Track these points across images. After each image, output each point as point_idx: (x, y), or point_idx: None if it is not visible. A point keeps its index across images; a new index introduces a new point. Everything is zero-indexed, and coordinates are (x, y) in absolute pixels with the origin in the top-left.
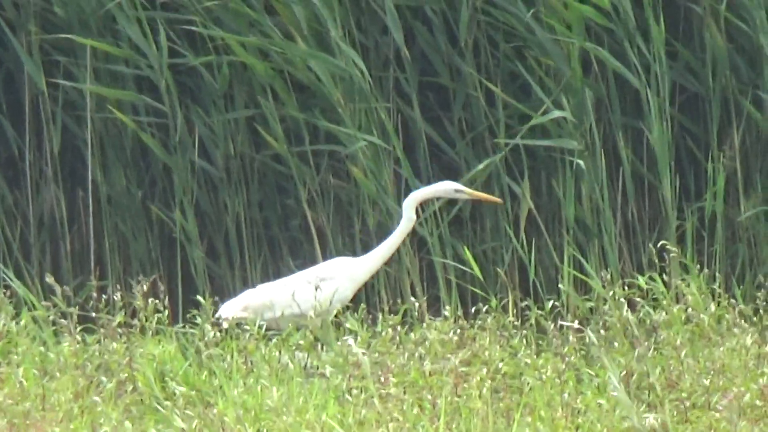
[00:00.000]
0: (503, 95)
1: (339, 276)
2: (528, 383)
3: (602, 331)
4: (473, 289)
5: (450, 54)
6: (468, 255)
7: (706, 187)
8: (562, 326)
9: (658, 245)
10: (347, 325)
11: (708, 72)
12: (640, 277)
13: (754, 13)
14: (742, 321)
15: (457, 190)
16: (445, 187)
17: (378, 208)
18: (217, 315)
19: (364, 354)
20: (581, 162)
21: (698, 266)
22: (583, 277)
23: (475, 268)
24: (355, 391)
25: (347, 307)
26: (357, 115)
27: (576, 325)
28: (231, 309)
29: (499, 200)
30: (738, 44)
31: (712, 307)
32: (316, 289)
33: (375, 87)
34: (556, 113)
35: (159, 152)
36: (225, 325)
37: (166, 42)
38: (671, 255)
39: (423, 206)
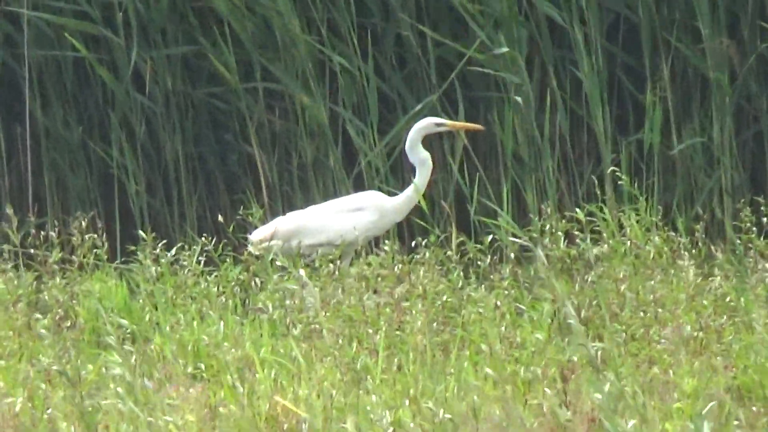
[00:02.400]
0: (434, 35)
1: (369, 208)
2: (466, 317)
3: (545, 262)
4: (419, 221)
5: None
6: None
7: (641, 120)
8: (500, 260)
9: (598, 176)
10: (278, 262)
11: (638, 3)
12: (578, 210)
13: None
14: (684, 253)
15: (437, 124)
16: (425, 124)
17: (315, 142)
18: (247, 241)
19: (307, 284)
20: (518, 98)
21: (641, 198)
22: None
23: (421, 201)
24: (295, 325)
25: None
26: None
27: (523, 242)
28: (260, 235)
29: (480, 127)
30: None
31: (656, 239)
32: (345, 219)
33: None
34: (503, 49)
35: (112, 85)
36: (253, 251)
37: None
38: (616, 185)
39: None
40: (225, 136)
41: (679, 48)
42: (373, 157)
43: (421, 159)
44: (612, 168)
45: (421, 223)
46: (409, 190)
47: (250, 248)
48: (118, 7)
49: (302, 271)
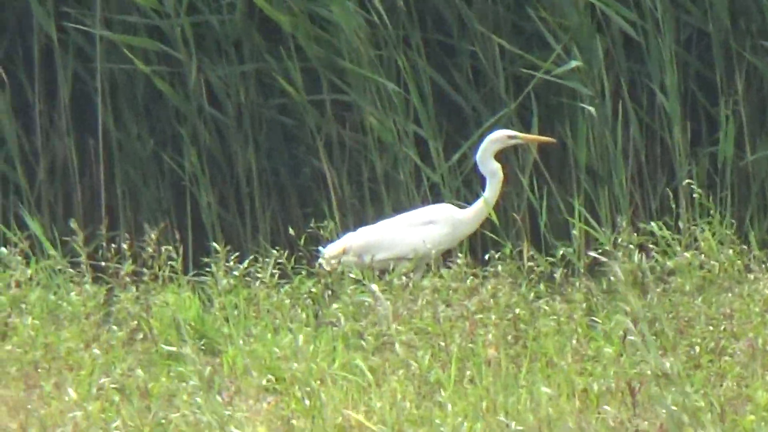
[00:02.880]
0: (510, 47)
1: (440, 221)
2: (539, 330)
3: (613, 278)
4: (490, 234)
5: (457, 6)
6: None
7: (714, 132)
8: (571, 273)
9: (672, 190)
10: (351, 274)
11: (708, 19)
12: (653, 223)
13: None
14: (756, 266)
15: (510, 137)
16: (498, 136)
17: (386, 155)
18: (319, 258)
19: (379, 298)
20: (592, 108)
21: (711, 212)
22: (589, 230)
23: (492, 214)
24: (367, 338)
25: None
26: (370, 64)
27: (596, 255)
28: (332, 251)
29: (552, 140)
30: None
31: (729, 252)
32: (417, 233)
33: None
34: (573, 63)
35: (173, 98)
36: (326, 267)
37: None
38: (693, 197)
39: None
40: (296, 149)
41: (752, 60)
42: (440, 174)
43: (491, 171)
44: (687, 181)
45: (493, 236)
46: (479, 203)
47: (323, 263)
48: (182, 23)
49: (374, 285)
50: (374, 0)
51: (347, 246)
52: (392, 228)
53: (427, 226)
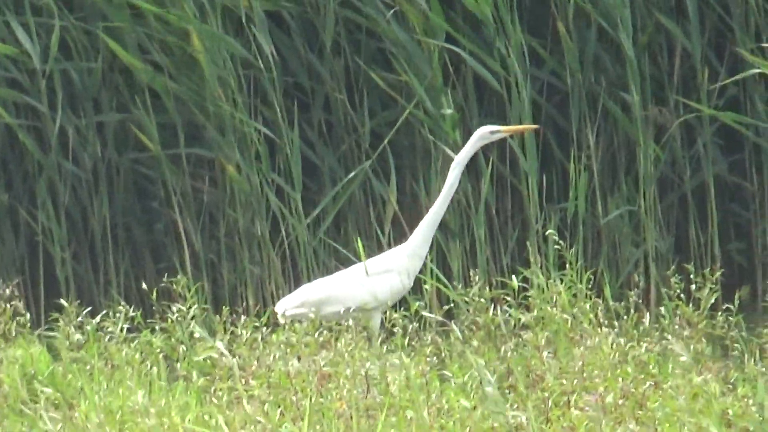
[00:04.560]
0: (368, 100)
1: (395, 267)
2: (392, 383)
3: (466, 332)
4: None
5: (310, 57)
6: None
7: (569, 187)
8: (425, 326)
9: (527, 241)
10: (196, 333)
11: (567, 72)
12: (514, 277)
13: (615, 13)
14: (607, 321)
15: (493, 132)
16: (481, 134)
17: (248, 209)
18: (275, 311)
19: (225, 355)
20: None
21: (567, 265)
22: (439, 286)
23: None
24: (219, 393)
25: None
26: (226, 119)
27: (439, 318)
28: (288, 305)
29: (534, 126)
30: (602, 44)
31: (583, 305)
32: (373, 283)
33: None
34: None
35: (33, 151)
36: (282, 321)
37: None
38: (544, 252)
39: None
40: (151, 204)
41: (609, 114)
42: (304, 227)
43: (452, 183)
44: (550, 231)
45: None
46: (425, 224)
47: (280, 318)
48: (42, 75)
49: (220, 343)
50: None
51: (303, 299)
52: (348, 280)
53: (384, 275)
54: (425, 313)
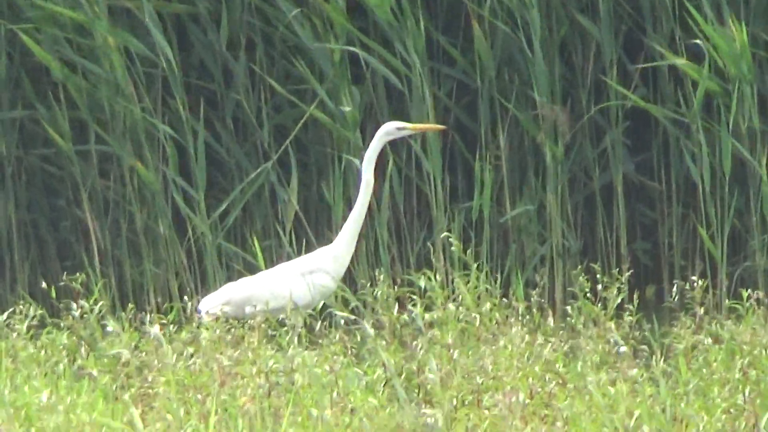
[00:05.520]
0: (280, 89)
1: (321, 267)
2: (297, 382)
3: (373, 330)
4: None
5: (222, 55)
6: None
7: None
8: (332, 324)
9: (432, 242)
10: (109, 327)
11: (476, 73)
12: (419, 275)
13: (516, 14)
14: (514, 320)
15: (398, 128)
16: (387, 130)
17: (146, 207)
18: (197, 309)
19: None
20: (355, 160)
21: (472, 265)
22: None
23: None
24: (124, 390)
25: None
26: (128, 116)
27: (348, 316)
28: (211, 303)
29: (441, 126)
30: (506, 45)
31: (488, 305)
32: (298, 283)
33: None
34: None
35: None
36: (205, 319)
37: None
38: (452, 250)
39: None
40: (58, 201)
41: (516, 114)
42: (208, 226)
43: (367, 180)
44: (445, 233)
45: None
46: (348, 224)
47: (204, 316)
48: None
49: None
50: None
51: (228, 298)
52: (273, 279)
53: (310, 275)
54: (334, 311)
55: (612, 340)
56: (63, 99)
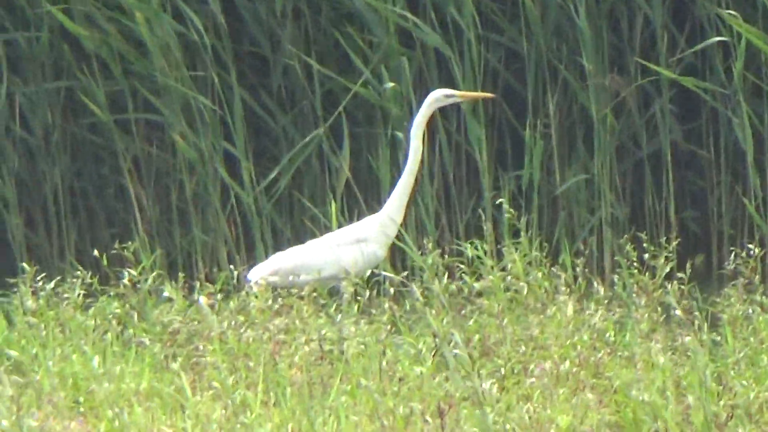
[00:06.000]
0: (321, 68)
1: (369, 235)
2: (347, 351)
3: (420, 299)
4: None
5: (270, 23)
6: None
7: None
8: (380, 293)
9: (483, 208)
10: (165, 293)
11: (523, 40)
12: (468, 245)
13: None
14: (563, 289)
15: (447, 95)
16: (435, 97)
17: (195, 176)
18: (246, 277)
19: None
20: (399, 134)
21: (523, 233)
22: (404, 247)
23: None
24: (172, 360)
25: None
26: (182, 81)
27: (398, 278)
28: (260, 273)
29: (490, 95)
30: (557, 13)
31: (538, 274)
32: (347, 251)
33: (193, 56)
34: (388, 85)
35: None
36: (255, 289)
37: None
38: (499, 219)
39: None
40: (103, 170)
41: (567, 83)
42: (253, 196)
43: (416, 147)
44: (499, 200)
45: None
46: (396, 191)
47: (252, 286)
48: None
49: (202, 298)
50: (191, 15)
51: (276, 267)
52: (322, 248)
53: (358, 244)
54: (385, 273)
55: (665, 306)
56: (96, 68)
